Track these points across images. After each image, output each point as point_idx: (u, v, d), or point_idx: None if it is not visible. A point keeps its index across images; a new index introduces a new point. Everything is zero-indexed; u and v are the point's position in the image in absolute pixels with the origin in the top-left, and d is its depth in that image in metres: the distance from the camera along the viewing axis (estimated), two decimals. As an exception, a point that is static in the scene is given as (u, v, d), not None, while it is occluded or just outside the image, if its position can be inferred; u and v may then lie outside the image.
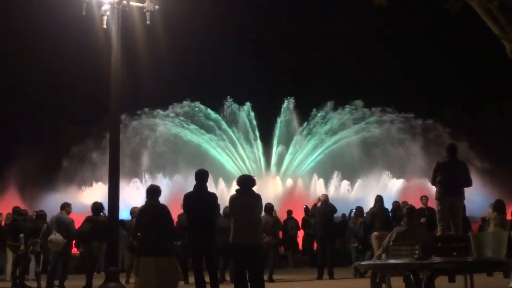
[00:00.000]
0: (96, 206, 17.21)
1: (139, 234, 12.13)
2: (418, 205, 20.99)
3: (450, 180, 14.23)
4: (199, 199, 12.41)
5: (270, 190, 37.18)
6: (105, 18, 17.10)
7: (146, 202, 12.19)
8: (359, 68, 47.91)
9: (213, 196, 12.59)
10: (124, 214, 21.50)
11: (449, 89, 47.92)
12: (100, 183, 38.86)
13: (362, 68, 47.83)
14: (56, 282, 17.14)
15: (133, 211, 20.00)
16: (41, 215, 19.01)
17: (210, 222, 12.43)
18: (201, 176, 12.60)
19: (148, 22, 17.52)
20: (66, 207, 17.77)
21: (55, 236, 16.83)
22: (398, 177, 41.10)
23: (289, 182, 39.92)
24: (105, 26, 17.14)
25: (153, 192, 12.23)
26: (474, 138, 42.23)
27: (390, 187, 39.06)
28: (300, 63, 50.33)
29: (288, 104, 45.12)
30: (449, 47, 47.48)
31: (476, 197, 27.98)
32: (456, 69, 47.20)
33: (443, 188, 14.33)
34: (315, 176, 40.55)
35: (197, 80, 48.00)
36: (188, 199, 12.54)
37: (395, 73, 46.92)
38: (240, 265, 12.00)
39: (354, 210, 22.33)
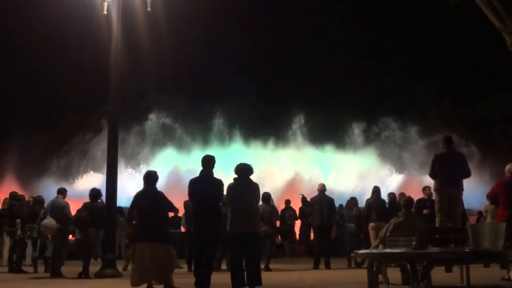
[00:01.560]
0: (94, 193, 17.17)
1: (134, 221, 12.15)
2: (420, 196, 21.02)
3: (448, 171, 14.31)
4: (205, 185, 12.23)
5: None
6: (105, 4, 17.09)
7: (143, 188, 12.17)
8: (357, 57, 47.82)
9: (220, 183, 12.42)
10: (122, 201, 21.51)
11: (449, 81, 47.90)
12: (94, 173, 39.02)
13: (358, 58, 47.71)
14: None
15: None
16: (39, 201, 19.04)
17: (216, 208, 12.30)
18: (208, 162, 12.45)
19: (149, 9, 17.50)
20: (62, 192, 17.75)
21: (47, 220, 16.82)
22: (399, 172, 41.10)
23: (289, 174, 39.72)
24: (105, 12, 17.13)
25: (150, 178, 12.19)
26: (473, 131, 42.30)
27: (389, 181, 39.00)
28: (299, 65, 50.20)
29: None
30: (448, 40, 47.45)
31: (474, 190, 27.96)
32: (456, 61, 47.19)
33: (442, 179, 14.41)
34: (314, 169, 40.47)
35: (196, 67, 47.90)
36: (194, 184, 12.39)
37: (392, 65, 46.86)
38: (237, 253, 12.00)
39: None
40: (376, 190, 19.69)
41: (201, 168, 12.30)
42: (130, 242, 19.13)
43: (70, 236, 19.62)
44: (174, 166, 37.64)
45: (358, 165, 41.48)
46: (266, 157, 40.58)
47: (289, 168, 39.85)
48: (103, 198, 17.35)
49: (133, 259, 11.83)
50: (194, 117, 44.45)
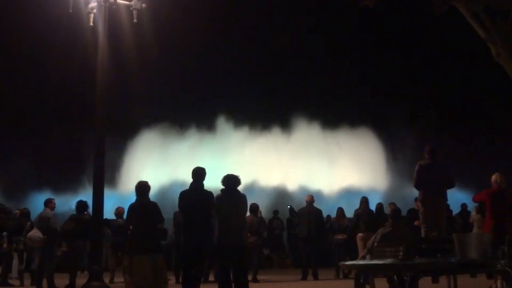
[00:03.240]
0: (80, 204, 17.13)
1: (129, 232, 12.15)
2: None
3: (432, 181, 14.36)
4: (196, 197, 12.25)
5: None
6: (91, 15, 17.06)
7: (136, 200, 12.17)
8: (338, 68, 47.42)
9: (210, 195, 12.40)
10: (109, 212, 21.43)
11: (433, 91, 47.94)
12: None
13: (341, 68, 47.31)
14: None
15: (118, 211, 19.93)
16: (25, 213, 18.98)
17: (206, 220, 12.29)
18: (198, 174, 12.45)
19: (135, 21, 17.49)
20: (49, 203, 17.67)
21: (33, 232, 16.76)
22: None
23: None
24: (91, 23, 17.09)
25: (142, 189, 12.19)
26: (458, 141, 42.33)
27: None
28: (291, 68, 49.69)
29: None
30: (433, 49, 47.45)
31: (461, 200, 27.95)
32: (441, 71, 47.24)
33: (425, 190, 14.47)
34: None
35: (184, 79, 47.71)
36: (184, 197, 12.38)
37: (375, 75, 46.62)
38: (225, 265, 12.00)
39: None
40: (365, 201, 19.76)
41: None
42: (123, 254, 19.12)
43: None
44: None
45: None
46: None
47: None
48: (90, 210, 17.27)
49: (130, 271, 11.77)
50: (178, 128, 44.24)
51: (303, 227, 19.64)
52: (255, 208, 19.11)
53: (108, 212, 21.68)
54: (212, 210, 12.32)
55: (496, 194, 13.90)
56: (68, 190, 40.74)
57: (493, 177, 14.02)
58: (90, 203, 17.20)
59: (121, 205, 19.91)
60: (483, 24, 19.31)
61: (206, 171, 12.51)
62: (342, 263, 10.18)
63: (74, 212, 17.46)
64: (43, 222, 16.97)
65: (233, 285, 11.80)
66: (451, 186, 14.73)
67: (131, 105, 43.23)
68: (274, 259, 26.94)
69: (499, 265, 8.11)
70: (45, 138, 45.80)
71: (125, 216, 18.63)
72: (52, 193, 35.71)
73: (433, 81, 47.61)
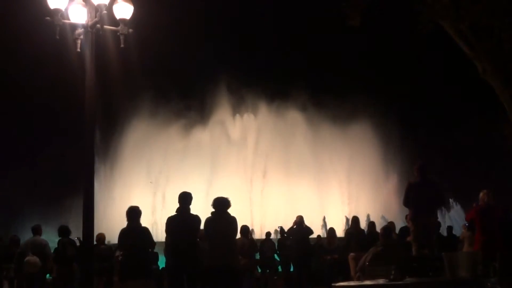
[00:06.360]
0: (66, 228, 17.19)
1: (120, 258, 12.13)
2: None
3: (422, 199, 14.36)
4: (182, 222, 12.27)
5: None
6: (79, 41, 17.06)
7: (127, 225, 12.15)
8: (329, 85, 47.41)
9: (197, 219, 12.44)
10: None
11: (423, 108, 48.12)
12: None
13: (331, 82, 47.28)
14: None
15: (98, 238, 19.57)
16: (14, 240, 18.85)
17: (192, 245, 12.31)
18: (184, 199, 12.49)
19: (122, 45, 17.50)
20: (39, 229, 17.63)
21: (32, 258, 16.71)
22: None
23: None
24: (79, 49, 17.09)
25: (133, 214, 12.18)
26: (449, 157, 42.48)
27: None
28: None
29: None
30: (420, 66, 47.57)
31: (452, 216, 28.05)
32: (430, 88, 47.47)
33: (416, 208, 14.47)
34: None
35: (171, 102, 47.73)
36: (171, 222, 12.43)
37: (365, 90, 46.68)
38: None
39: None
40: (356, 220, 19.70)
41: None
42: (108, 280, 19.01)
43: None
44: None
45: None
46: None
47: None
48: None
49: None
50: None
51: (293, 247, 19.63)
52: (246, 230, 19.06)
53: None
54: (199, 234, 12.38)
55: (485, 211, 13.97)
56: (57, 214, 40.53)
57: (481, 194, 14.09)
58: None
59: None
60: (469, 42, 19.47)
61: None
62: (334, 284, 10.17)
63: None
64: (39, 248, 16.94)
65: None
66: (441, 204, 14.74)
67: (117, 127, 43.19)
68: (268, 280, 26.81)
69: (489, 283, 8.14)
70: (32, 163, 45.72)
71: (106, 242, 18.69)
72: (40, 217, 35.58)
73: (421, 99, 47.75)
